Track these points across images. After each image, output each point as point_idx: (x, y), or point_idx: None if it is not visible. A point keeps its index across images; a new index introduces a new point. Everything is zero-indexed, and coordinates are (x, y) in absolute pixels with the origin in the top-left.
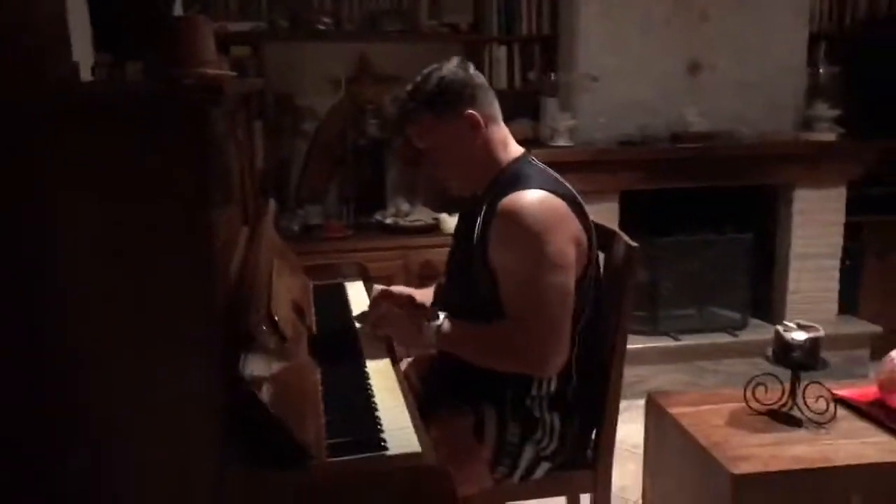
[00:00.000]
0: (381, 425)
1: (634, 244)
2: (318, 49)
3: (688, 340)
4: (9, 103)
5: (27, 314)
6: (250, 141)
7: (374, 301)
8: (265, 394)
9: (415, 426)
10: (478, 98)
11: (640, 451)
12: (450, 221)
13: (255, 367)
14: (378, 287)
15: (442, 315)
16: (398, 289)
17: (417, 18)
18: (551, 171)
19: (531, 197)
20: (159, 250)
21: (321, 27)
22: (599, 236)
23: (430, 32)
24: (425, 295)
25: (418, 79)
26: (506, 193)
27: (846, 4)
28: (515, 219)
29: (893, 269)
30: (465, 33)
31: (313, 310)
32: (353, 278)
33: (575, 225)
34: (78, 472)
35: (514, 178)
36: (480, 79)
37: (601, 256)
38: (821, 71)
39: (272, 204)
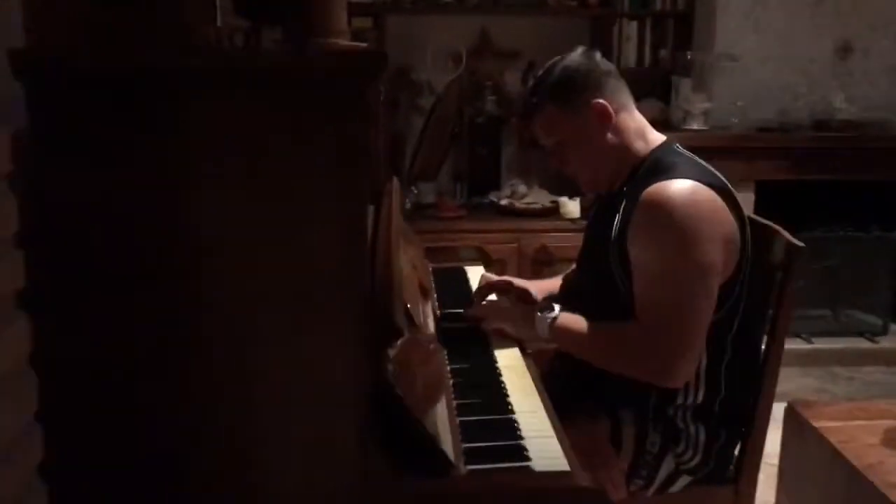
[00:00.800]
0: (520, 431)
1: (800, 244)
2: (438, 22)
3: (821, 344)
4: (162, 68)
5: (165, 290)
6: (377, 117)
7: (479, 291)
8: (407, 393)
9: (558, 436)
10: (606, 86)
11: (771, 461)
12: (570, 205)
13: (397, 362)
14: (486, 275)
15: (557, 307)
16: (510, 280)
17: None
18: (700, 160)
19: (679, 187)
20: (312, 229)
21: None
22: (754, 232)
23: (556, 6)
24: (548, 286)
25: (540, 72)
26: (649, 183)
27: None
28: (660, 211)
29: None
30: (593, 7)
31: (435, 295)
32: (473, 262)
33: (728, 221)
34: (213, 461)
35: (658, 167)
36: (608, 66)
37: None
38: None
39: (396, 182)
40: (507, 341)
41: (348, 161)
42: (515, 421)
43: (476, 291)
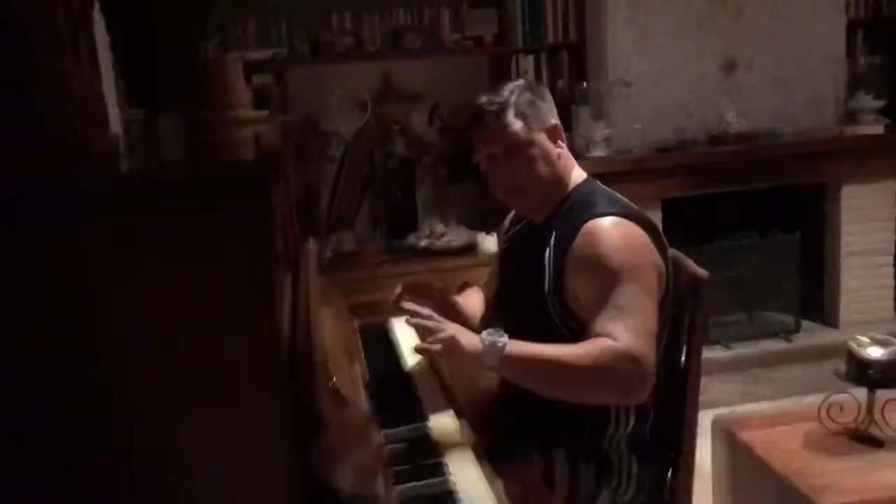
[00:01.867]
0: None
1: (705, 273)
2: (340, 71)
3: (740, 349)
4: (54, 187)
5: (83, 406)
6: (287, 180)
7: (401, 295)
8: (340, 482)
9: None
10: (556, 116)
11: (702, 470)
12: (488, 241)
13: (327, 452)
14: (412, 279)
15: (505, 335)
16: (431, 285)
17: (440, 33)
18: (619, 195)
19: (609, 224)
20: (223, 337)
21: (342, 48)
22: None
23: (454, 47)
24: (466, 301)
25: (505, 90)
26: (583, 219)
27: None
28: (603, 244)
29: None
30: (489, 45)
31: (362, 355)
32: (399, 315)
33: (655, 254)
34: None
35: (589, 202)
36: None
37: None
38: (861, 61)
39: (312, 244)
40: (437, 399)
41: (251, 266)
42: (452, 483)
43: (398, 295)
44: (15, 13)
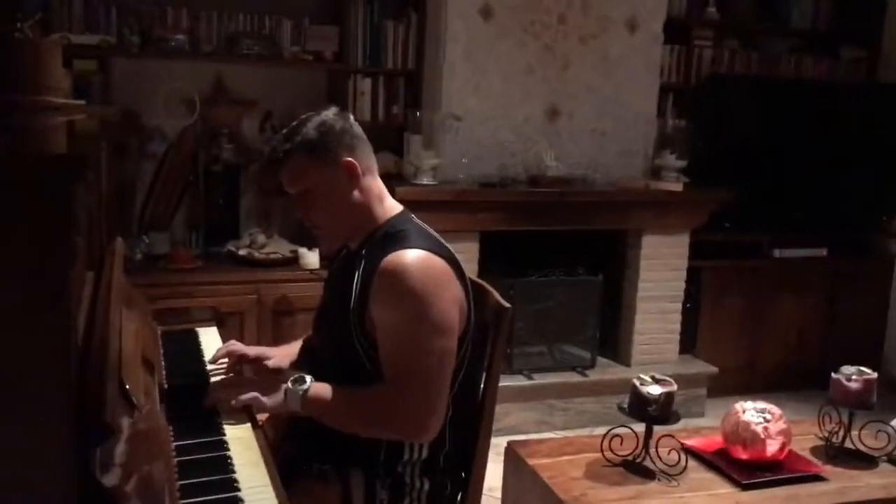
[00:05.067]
0: None
1: (507, 305)
2: (170, 67)
3: (540, 379)
4: None
5: None
6: (98, 173)
7: (218, 357)
8: (122, 489)
9: None
10: (357, 148)
11: (495, 494)
12: (309, 256)
13: (110, 457)
14: (229, 345)
15: (308, 379)
16: (251, 349)
17: (279, 43)
18: (431, 230)
19: (413, 256)
20: (8, 334)
21: (175, 45)
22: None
23: (293, 58)
24: (287, 352)
25: (295, 123)
26: (387, 251)
27: (692, 61)
28: (398, 278)
29: (727, 311)
30: (329, 62)
31: (163, 363)
32: (206, 323)
33: (456, 286)
34: None
35: (395, 235)
36: (360, 130)
37: None
38: (669, 122)
39: (119, 243)
40: (237, 412)
41: (43, 255)
42: (241, 500)
43: (214, 356)
44: None
